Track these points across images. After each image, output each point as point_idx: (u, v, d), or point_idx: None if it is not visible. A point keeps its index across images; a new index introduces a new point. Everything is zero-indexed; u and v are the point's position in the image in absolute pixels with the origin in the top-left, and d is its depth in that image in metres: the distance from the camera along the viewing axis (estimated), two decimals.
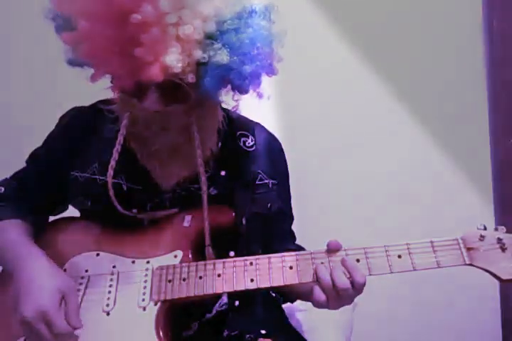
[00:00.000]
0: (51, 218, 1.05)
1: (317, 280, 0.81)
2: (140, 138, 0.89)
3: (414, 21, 1.78)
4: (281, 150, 1.11)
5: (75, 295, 0.82)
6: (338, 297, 0.80)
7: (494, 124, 1.80)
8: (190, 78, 0.77)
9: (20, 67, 1.82)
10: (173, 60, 0.73)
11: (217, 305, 0.93)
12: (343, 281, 0.79)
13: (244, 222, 0.93)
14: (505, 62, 1.78)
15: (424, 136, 1.80)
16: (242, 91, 0.83)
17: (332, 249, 0.84)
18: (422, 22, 1.78)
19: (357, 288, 0.80)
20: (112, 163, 0.86)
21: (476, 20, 1.79)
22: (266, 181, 1.01)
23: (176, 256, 0.88)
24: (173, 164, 0.91)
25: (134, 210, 0.92)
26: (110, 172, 0.86)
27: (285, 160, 1.11)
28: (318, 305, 0.82)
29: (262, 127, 1.08)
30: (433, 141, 1.80)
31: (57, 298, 0.78)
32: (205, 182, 0.88)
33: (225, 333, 0.93)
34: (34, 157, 1.04)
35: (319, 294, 0.80)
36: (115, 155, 0.86)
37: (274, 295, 1.06)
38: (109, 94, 0.90)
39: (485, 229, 0.85)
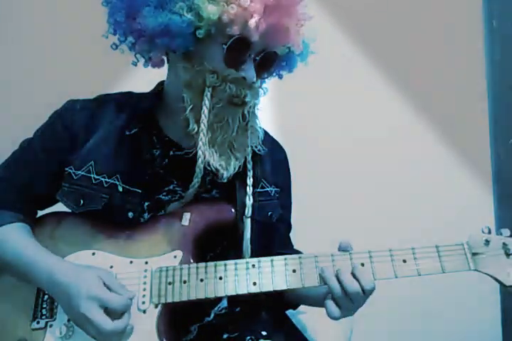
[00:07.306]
0: (40, 213, 1.00)
1: (325, 283, 0.80)
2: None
3: (414, 21, 1.78)
4: (286, 157, 1.10)
5: (112, 276, 0.83)
6: (349, 301, 0.79)
7: (494, 124, 1.80)
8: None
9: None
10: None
11: (216, 308, 0.91)
12: (351, 283, 0.78)
13: (244, 220, 0.91)
14: (504, 62, 1.78)
15: (424, 137, 1.80)
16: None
17: (342, 250, 0.83)
18: (422, 22, 1.78)
19: (366, 293, 0.79)
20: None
21: (476, 20, 1.79)
22: (267, 189, 1.00)
23: (175, 257, 0.86)
24: (228, 155, 0.90)
25: (130, 213, 0.90)
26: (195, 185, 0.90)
27: (289, 168, 1.10)
28: (332, 315, 0.81)
29: (267, 133, 1.06)
30: (433, 141, 1.80)
31: (100, 283, 0.80)
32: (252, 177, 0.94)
33: (225, 336, 0.91)
34: (26, 150, 0.97)
35: (331, 306, 0.80)
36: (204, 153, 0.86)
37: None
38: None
39: (489, 232, 0.83)
